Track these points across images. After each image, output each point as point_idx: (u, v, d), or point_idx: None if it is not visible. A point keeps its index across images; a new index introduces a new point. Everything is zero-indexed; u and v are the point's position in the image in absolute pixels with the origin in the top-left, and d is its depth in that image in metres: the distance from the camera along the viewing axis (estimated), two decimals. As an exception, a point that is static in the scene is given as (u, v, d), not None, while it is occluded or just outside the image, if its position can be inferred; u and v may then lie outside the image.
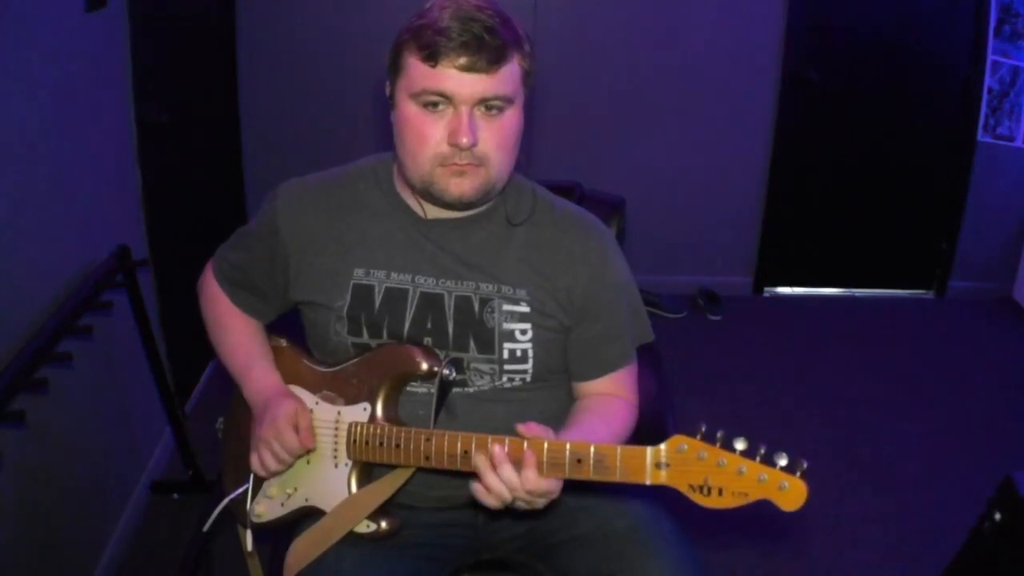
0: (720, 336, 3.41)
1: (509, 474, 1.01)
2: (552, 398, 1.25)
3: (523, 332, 1.18)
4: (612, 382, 1.25)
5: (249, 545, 1.28)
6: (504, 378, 1.19)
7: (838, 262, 3.82)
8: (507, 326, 1.18)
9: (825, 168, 3.65)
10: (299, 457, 1.19)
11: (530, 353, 1.18)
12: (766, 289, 3.80)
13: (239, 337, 1.29)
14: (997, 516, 1.25)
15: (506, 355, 1.18)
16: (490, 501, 1.03)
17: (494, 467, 1.01)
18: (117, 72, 2.10)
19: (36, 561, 1.65)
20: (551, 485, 1.02)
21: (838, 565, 2.15)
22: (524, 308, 1.18)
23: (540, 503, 1.05)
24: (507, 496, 1.02)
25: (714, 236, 3.69)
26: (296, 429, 1.15)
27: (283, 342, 1.31)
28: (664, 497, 1.29)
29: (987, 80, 3.46)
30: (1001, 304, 3.72)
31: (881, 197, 3.70)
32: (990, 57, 3.42)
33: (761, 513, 2.46)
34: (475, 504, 1.27)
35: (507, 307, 1.18)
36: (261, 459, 1.17)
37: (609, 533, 1.20)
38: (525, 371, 1.19)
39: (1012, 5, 3.33)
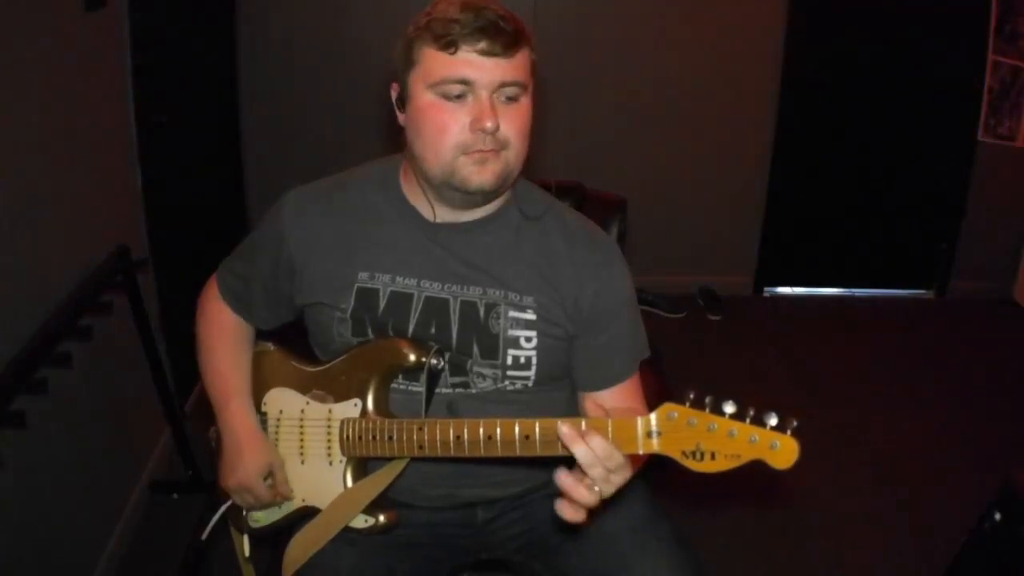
0: (720, 336, 3.41)
1: (599, 442, 0.95)
2: (553, 400, 1.24)
3: (528, 340, 1.17)
4: (626, 395, 1.23)
5: (246, 550, 1.28)
6: (506, 382, 1.19)
7: (838, 262, 3.82)
8: (512, 333, 1.17)
9: (825, 168, 3.65)
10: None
11: (534, 360, 1.18)
12: (766, 289, 3.80)
13: (223, 365, 1.28)
14: (997, 516, 1.26)
15: (510, 361, 1.18)
16: (582, 493, 0.95)
17: (583, 439, 0.95)
18: (117, 72, 2.10)
19: (36, 561, 1.65)
20: (620, 454, 0.96)
21: (838, 565, 2.14)
22: (530, 315, 1.18)
23: (617, 481, 0.98)
24: (598, 469, 0.95)
25: (714, 236, 3.69)
26: (268, 481, 1.22)
27: (270, 346, 1.30)
28: (662, 497, 1.30)
29: (987, 80, 3.46)
30: (1001, 304, 3.72)
31: (881, 197, 3.70)
32: (990, 57, 3.42)
33: (761, 512, 2.45)
34: (474, 503, 1.28)
35: (513, 313, 1.17)
36: (240, 502, 1.25)
37: (608, 533, 1.19)
38: (528, 377, 1.19)
39: (1012, 5, 3.33)
